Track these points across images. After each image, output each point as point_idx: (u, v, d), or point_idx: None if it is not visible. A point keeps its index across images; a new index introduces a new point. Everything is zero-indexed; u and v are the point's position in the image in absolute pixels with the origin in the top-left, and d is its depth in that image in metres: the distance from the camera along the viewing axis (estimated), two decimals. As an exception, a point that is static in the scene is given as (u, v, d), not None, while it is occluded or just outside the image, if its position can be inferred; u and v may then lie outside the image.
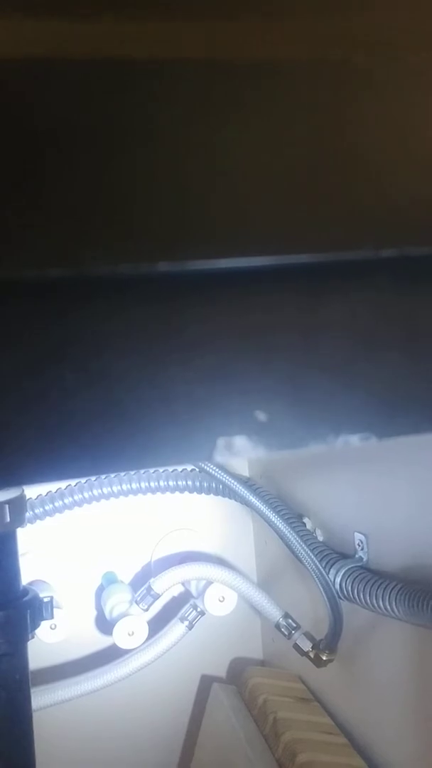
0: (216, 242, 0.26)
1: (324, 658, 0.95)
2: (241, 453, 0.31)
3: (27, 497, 0.98)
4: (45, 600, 0.71)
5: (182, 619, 1.06)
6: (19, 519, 0.68)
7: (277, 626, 0.99)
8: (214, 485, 1.04)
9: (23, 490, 0.71)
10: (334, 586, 0.87)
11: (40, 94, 0.26)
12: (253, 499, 0.93)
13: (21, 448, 0.28)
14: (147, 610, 1.03)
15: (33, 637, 0.87)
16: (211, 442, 0.31)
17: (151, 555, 1.16)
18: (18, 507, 0.69)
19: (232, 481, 0.95)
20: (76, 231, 0.26)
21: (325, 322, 0.30)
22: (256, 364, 0.31)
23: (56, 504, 1.01)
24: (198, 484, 1.04)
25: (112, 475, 1.02)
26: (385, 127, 0.27)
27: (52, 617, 0.73)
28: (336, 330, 0.31)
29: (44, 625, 0.98)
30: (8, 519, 0.66)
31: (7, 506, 0.66)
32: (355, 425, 0.32)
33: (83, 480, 1.03)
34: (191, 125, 0.26)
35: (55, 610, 0.98)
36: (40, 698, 0.99)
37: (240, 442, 0.31)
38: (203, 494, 1.06)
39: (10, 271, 0.26)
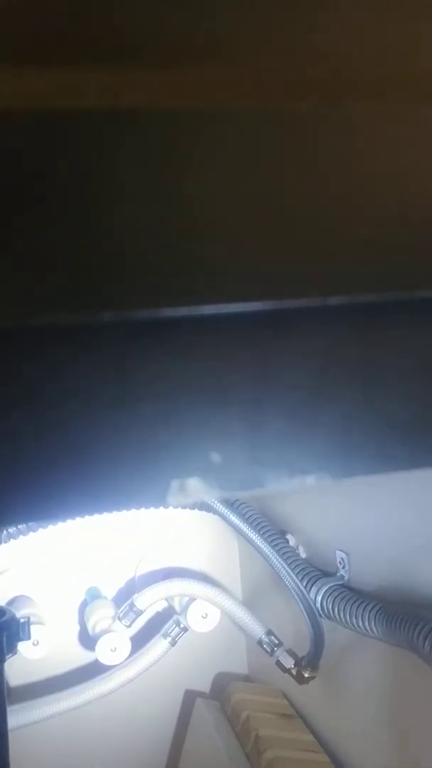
0: (162, 292, 0.27)
1: (306, 675, 0.95)
2: (195, 494, 0.31)
3: None
4: (21, 621, 0.71)
5: (165, 636, 1.06)
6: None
7: (260, 643, 0.99)
8: (197, 501, 1.04)
9: None
10: (315, 604, 0.87)
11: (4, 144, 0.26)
12: (232, 516, 0.93)
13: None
14: (130, 626, 1.03)
15: (15, 653, 0.87)
16: (165, 485, 0.31)
17: (136, 570, 1.16)
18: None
19: (212, 498, 0.95)
20: (18, 280, 0.26)
21: (278, 365, 0.30)
22: (209, 406, 0.31)
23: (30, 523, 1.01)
24: (181, 499, 1.04)
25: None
26: (333, 175, 0.28)
27: (29, 638, 0.73)
28: (290, 373, 0.31)
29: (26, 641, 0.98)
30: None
31: (-18, 528, 0.66)
32: (311, 466, 0.32)
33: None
34: (139, 175, 0.27)
35: (37, 626, 0.98)
36: (22, 716, 0.99)
37: (194, 483, 0.31)
38: (187, 510, 1.06)
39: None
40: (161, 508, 1.06)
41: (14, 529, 0.97)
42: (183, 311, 0.27)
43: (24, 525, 0.97)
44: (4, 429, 0.28)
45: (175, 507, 1.05)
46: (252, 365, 0.31)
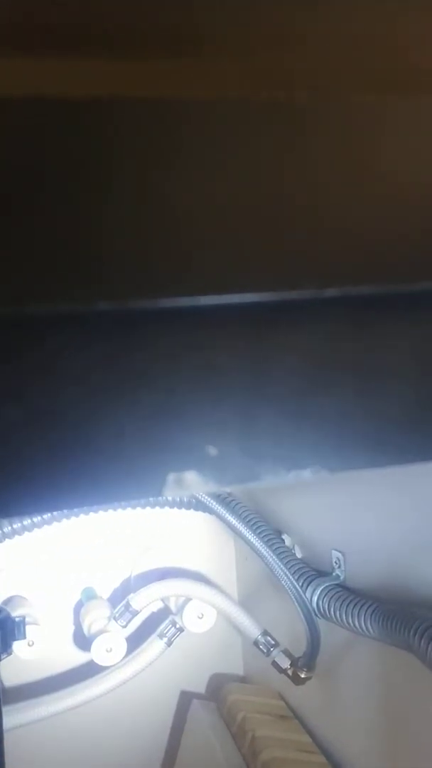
0: (160, 282, 0.26)
1: (302, 675, 0.95)
2: (191, 488, 0.31)
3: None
4: (17, 620, 0.70)
5: (161, 636, 1.06)
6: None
7: (256, 643, 0.99)
8: (193, 500, 1.04)
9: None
10: (311, 604, 0.87)
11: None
12: (228, 516, 0.93)
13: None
14: (125, 626, 1.03)
15: (10, 654, 0.87)
16: (161, 478, 0.31)
17: (131, 570, 1.16)
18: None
19: (208, 498, 0.95)
20: (20, 269, 0.26)
21: (274, 358, 0.30)
22: (206, 399, 0.31)
23: (35, 519, 1.01)
24: (177, 499, 1.04)
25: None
26: (328, 167, 0.28)
27: (24, 638, 0.72)
28: (286, 366, 0.31)
29: (21, 641, 0.98)
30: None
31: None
32: (307, 459, 0.32)
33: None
34: (136, 165, 0.27)
35: (32, 626, 0.97)
36: (17, 716, 0.99)
37: (190, 477, 0.31)
38: (182, 509, 1.06)
39: None
40: (156, 507, 1.06)
41: (9, 528, 0.97)
42: (180, 302, 0.27)
43: (19, 524, 0.97)
44: (-1, 420, 0.28)
45: (172, 507, 1.05)
46: (248, 358, 0.31)
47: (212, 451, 0.31)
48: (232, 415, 0.31)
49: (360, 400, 0.31)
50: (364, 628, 0.77)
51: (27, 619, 0.90)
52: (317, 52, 0.29)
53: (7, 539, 0.98)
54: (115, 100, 0.26)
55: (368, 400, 0.31)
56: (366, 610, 0.77)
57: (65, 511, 0.98)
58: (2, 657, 0.70)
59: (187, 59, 0.28)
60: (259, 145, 0.27)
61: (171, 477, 0.31)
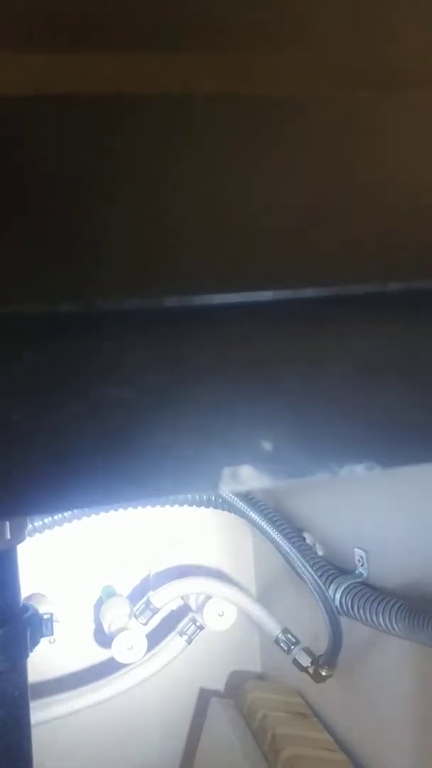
0: (218, 277, 0.26)
1: (323, 673, 0.95)
2: (247, 482, 0.31)
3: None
4: (45, 617, 0.71)
5: (181, 634, 1.06)
6: (19, 535, 0.68)
7: (276, 641, 0.99)
8: (213, 498, 1.04)
9: (24, 507, 0.70)
10: (333, 601, 0.87)
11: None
12: (252, 513, 0.93)
13: (26, 478, 0.28)
14: (146, 624, 1.03)
15: (32, 652, 0.87)
16: (217, 472, 0.31)
17: (150, 568, 1.16)
18: (18, 523, 0.69)
19: (231, 496, 0.95)
20: (84, 267, 0.26)
21: (329, 352, 0.30)
22: (261, 394, 0.31)
23: (56, 517, 1.01)
24: (198, 497, 1.04)
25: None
26: (391, 162, 0.28)
27: (52, 634, 0.72)
28: (340, 360, 0.31)
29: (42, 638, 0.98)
30: (9, 536, 0.66)
31: (7, 523, 0.66)
32: (360, 455, 0.32)
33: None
34: (195, 158, 0.27)
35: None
36: (39, 713, 0.99)
37: (246, 471, 0.31)
38: (203, 508, 1.06)
39: (20, 306, 0.26)
40: (176, 505, 1.06)
41: (32, 526, 0.97)
42: (236, 297, 0.27)
43: (39, 522, 0.97)
44: (57, 413, 0.28)
45: (191, 504, 1.05)
46: (303, 353, 0.31)
47: (267, 446, 0.31)
48: (287, 410, 0.31)
49: (415, 395, 0.31)
50: (389, 625, 0.77)
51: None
52: (380, 50, 0.29)
53: (37, 534, 0.98)
54: (171, 93, 0.26)
55: (424, 395, 0.31)
56: (391, 608, 0.77)
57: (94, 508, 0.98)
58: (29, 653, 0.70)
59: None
60: (321, 139, 0.27)
61: (227, 471, 0.31)
